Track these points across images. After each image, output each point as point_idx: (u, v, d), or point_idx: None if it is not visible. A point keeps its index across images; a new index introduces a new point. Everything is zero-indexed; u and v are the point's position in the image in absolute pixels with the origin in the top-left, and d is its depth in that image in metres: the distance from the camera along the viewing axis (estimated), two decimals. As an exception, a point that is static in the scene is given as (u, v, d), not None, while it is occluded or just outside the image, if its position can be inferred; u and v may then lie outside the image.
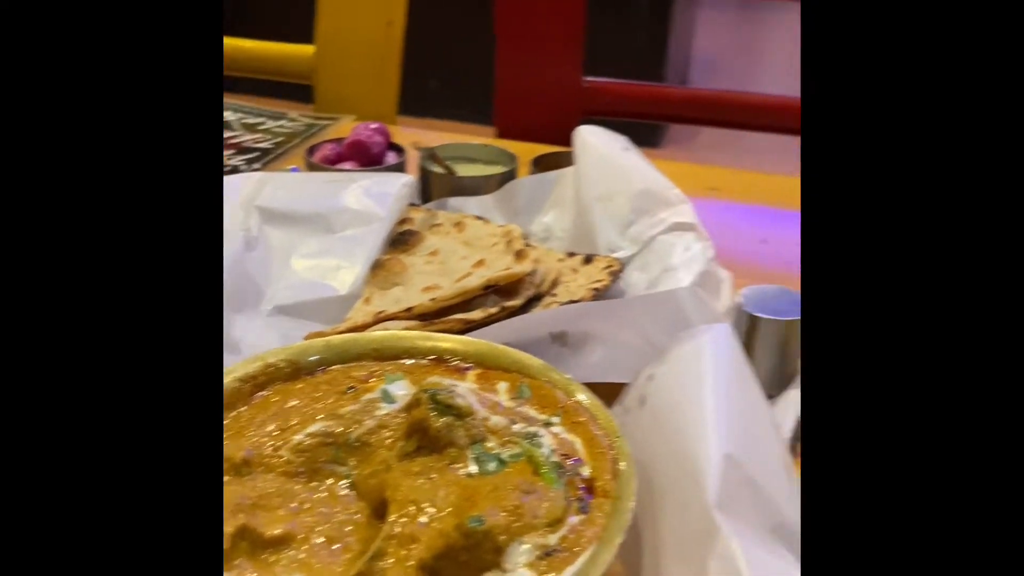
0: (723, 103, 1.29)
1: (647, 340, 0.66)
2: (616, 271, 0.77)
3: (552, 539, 0.45)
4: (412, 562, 0.44)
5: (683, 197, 0.85)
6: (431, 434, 0.51)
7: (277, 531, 0.47)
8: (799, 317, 0.65)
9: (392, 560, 0.45)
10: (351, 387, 0.57)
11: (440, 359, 0.60)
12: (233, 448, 0.52)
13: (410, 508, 0.47)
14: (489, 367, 0.59)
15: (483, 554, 0.44)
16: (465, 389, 0.57)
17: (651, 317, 0.66)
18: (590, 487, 0.49)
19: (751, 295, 0.67)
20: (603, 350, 0.65)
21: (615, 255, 0.82)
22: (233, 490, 0.49)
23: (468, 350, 0.60)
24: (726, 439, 0.49)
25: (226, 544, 0.46)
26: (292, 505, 0.50)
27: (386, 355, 0.60)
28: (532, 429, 0.53)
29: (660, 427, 0.53)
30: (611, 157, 0.88)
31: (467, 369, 0.59)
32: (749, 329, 0.66)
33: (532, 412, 0.55)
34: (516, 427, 0.54)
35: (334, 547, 0.48)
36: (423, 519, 0.46)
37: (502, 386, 0.57)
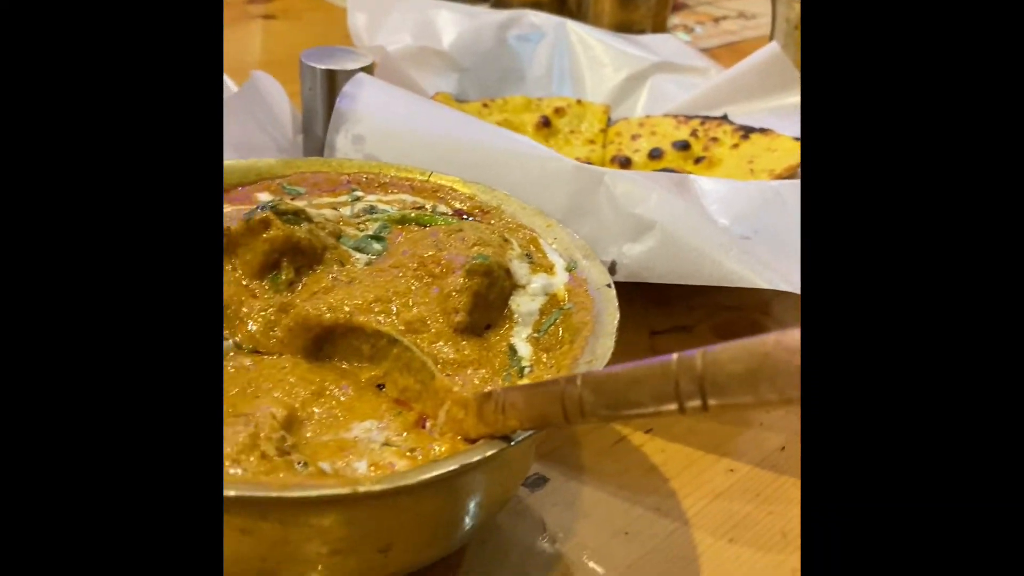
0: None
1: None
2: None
3: (517, 249, 0.46)
4: (449, 329, 0.41)
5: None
6: (304, 247, 0.44)
7: (284, 413, 0.38)
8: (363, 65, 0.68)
9: (426, 338, 0.41)
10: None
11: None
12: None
13: (378, 307, 0.42)
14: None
15: (503, 282, 0.43)
16: (268, 196, 0.49)
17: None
18: (461, 214, 0.50)
19: (310, 55, 0.67)
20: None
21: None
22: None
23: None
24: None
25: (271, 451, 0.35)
26: (249, 390, 0.39)
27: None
28: (362, 205, 0.50)
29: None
30: None
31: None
32: (329, 85, 0.67)
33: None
34: (344, 211, 0.49)
35: (335, 391, 0.40)
36: (402, 303, 0.42)
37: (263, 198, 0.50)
